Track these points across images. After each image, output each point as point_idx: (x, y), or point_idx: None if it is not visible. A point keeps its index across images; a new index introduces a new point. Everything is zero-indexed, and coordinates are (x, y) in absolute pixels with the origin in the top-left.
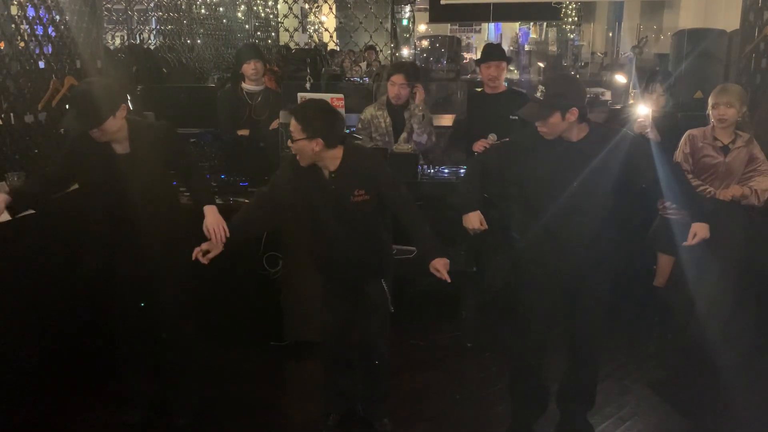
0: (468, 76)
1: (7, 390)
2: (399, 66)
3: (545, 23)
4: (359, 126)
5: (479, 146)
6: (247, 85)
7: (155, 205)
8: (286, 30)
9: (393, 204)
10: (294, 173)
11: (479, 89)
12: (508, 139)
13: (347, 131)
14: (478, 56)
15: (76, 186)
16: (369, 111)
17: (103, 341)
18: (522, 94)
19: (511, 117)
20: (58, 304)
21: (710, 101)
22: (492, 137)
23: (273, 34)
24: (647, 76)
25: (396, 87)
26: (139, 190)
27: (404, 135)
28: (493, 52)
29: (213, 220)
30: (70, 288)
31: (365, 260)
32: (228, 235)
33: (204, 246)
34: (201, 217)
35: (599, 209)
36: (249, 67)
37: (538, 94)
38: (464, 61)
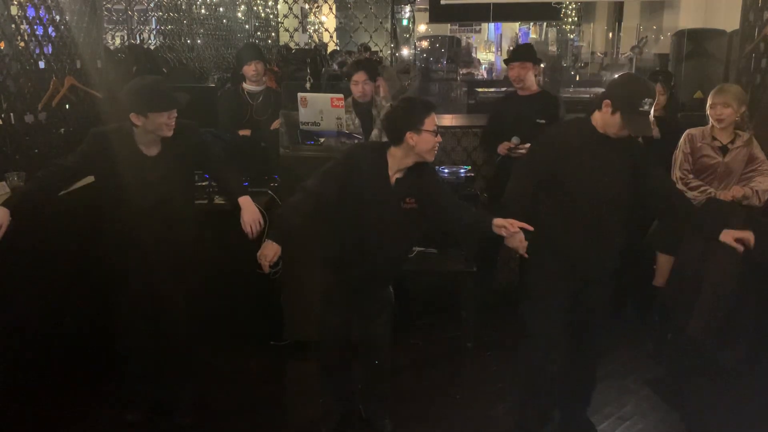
0: (479, 76)
1: (9, 389)
2: (357, 64)
3: (545, 23)
4: None
5: (503, 149)
6: (248, 86)
7: (173, 206)
8: (286, 30)
9: (444, 210)
10: (357, 172)
11: (482, 88)
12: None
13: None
14: (478, 56)
15: (81, 184)
16: None
17: (105, 340)
18: (552, 97)
19: (537, 121)
20: (60, 303)
21: (708, 101)
22: (515, 140)
23: (273, 34)
24: (647, 76)
25: (359, 85)
26: (164, 192)
27: (375, 132)
28: (515, 51)
29: (250, 217)
30: (73, 287)
31: (390, 268)
32: (264, 227)
33: (261, 254)
34: (212, 218)
35: (625, 205)
36: (250, 69)
37: (647, 108)
38: (473, 58)
